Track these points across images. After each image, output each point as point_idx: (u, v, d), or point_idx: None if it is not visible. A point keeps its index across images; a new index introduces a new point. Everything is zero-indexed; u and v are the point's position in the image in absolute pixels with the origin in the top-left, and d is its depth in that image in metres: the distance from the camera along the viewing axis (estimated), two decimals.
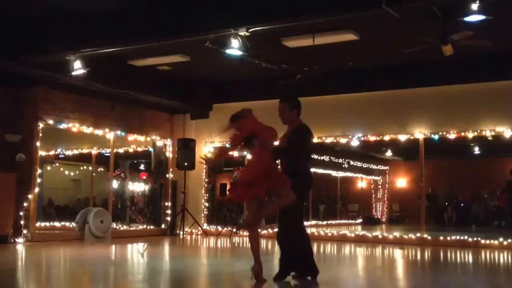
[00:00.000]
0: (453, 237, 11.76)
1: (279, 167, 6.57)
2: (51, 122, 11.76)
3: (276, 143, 6.54)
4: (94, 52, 10.06)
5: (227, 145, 6.55)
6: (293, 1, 8.36)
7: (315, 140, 13.14)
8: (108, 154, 13.48)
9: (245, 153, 15.26)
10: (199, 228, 13.76)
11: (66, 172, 16.26)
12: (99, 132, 12.84)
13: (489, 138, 11.78)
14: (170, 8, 9.10)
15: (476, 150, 17.50)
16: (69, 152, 14.85)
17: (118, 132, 13.22)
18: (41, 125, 11.58)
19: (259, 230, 6.43)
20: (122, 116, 13.31)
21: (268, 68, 10.97)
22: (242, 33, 8.75)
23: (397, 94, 12.32)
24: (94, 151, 14.26)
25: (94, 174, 14.59)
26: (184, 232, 13.65)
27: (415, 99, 12.17)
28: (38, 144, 11.49)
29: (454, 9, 8.28)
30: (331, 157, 18.45)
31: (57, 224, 14.21)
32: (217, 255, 10.34)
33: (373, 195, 21.76)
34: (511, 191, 14.69)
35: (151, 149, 14.21)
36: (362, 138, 12.70)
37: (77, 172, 16.42)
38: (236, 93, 13.62)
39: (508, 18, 9.09)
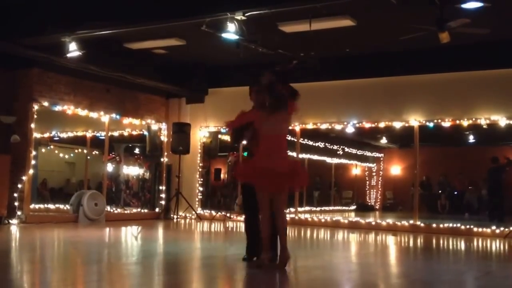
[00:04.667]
0: (446, 225, 11.83)
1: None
2: (46, 104, 11.72)
3: None
4: (90, 34, 10.03)
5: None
6: None
7: (310, 126, 13.19)
8: (103, 137, 13.46)
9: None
10: (193, 212, 13.79)
11: (61, 155, 16.22)
12: (94, 115, 12.81)
13: (484, 127, 11.80)
14: None
15: (471, 139, 17.53)
16: (64, 135, 14.80)
17: (113, 115, 13.19)
18: (36, 107, 11.54)
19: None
20: (117, 99, 13.27)
21: (264, 53, 10.93)
22: (238, 17, 8.73)
23: (393, 81, 12.31)
24: (89, 134, 14.24)
25: (88, 157, 14.57)
26: (178, 216, 13.68)
27: (411, 86, 12.17)
28: (32, 126, 11.46)
29: None
30: (326, 144, 18.47)
31: (51, 206, 14.22)
32: (211, 239, 10.37)
33: (367, 182, 21.82)
34: (493, 179, 14.72)
35: (146, 132, 14.19)
36: (357, 125, 12.71)
37: (71, 155, 16.38)
38: (232, 78, 13.61)
39: (505, 6, 9.07)
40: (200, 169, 14.45)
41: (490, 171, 14.74)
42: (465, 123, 11.71)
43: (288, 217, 13.18)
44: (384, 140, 19.76)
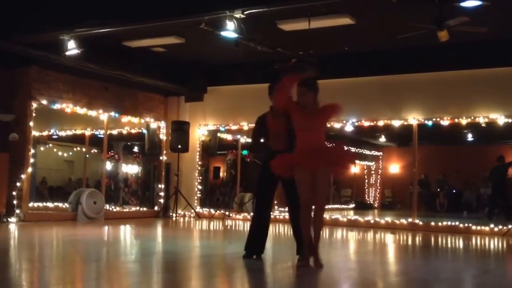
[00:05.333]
0: (444, 223, 11.84)
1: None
2: (44, 102, 11.71)
3: None
4: (88, 32, 10.02)
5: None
6: None
7: None
8: (102, 136, 13.46)
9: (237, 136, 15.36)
10: (192, 210, 13.80)
11: (60, 153, 16.24)
12: (92, 113, 12.80)
13: (483, 125, 11.81)
14: None
15: (470, 137, 17.55)
16: (62, 133, 14.81)
17: (112, 114, 13.19)
18: (34, 105, 11.53)
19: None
20: (116, 98, 13.26)
21: (263, 52, 10.93)
22: (237, 15, 8.73)
23: (392, 79, 12.31)
24: (88, 132, 14.24)
25: (87, 156, 14.56)
26: (177, 215, 13.68)
27: (410, 84, 12.17)
28: (31, 124, 11.46)
29: None
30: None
31: (50, 204, 14.22)
32: (210, 238, 10.38)
33: (366, 181, 21.83)
34: (495, 178, 14.70)
35: (144, 131, 14.19)
36: (356, 123, 12.71)
37: (70, 153, 16.39)
38: (231, 76, 13.61)
39: (504, 4, 9.08)
40: (199, 168, 14.44)
41: (493, 170, 14.73)
42: (463, 121, 11.72)
43: (286, 215, 13.26)
44: (383, 139, 19.77)
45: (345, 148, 6.73)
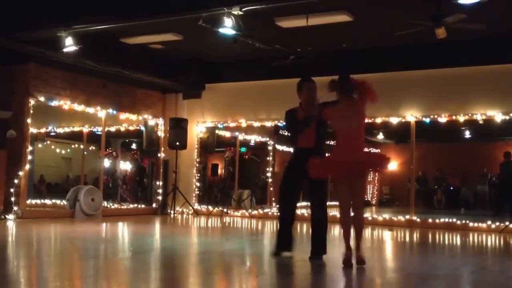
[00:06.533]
0: (442, 220, 11.85)
1: None
2: (42, 99, 11.70)
3: None
4: (86, 29, 10.01)
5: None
6: None
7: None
8: (100, 133, 13.45)
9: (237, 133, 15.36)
10: (190, 207, 13.80)
11: (57, 150, 16.21)
12: (90, 110, 12.78)
13: (480, 122, 11.82)
14: None
15: (467, 134, 17.59)
16: (60, 130, 14.78)
17: (110, 110, 13.17)
18: (32, 102, 11.51)
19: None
20: (114, 94, 13.25)
21: (261, 48, 10.93)
22: (235, 12, 8.73)
23: (389, 76, 12.27)
24: (86, 129, 14.22)
25: (85, 153, 14.55)
26: (175, 212, 13.68)
27: (408, 81, 12.18)
28: (29, 121, 11.44)
29: None
30: None
31: (47, 201, 14.20)
32: (208, 235, 10.39)
33: None
34: (504, 174, 14.67)
35: (143, 128, 14.18)
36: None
37: (68, 150, 16.37)
38: (229, 73, 13.61)
39: (501, 2, 9.08)
40: (197, 165, 14.44)
41: (501, 166, 14.73)
42: (461, 118, 11.72)
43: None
44: (380, 136, 19.78)
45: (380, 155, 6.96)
